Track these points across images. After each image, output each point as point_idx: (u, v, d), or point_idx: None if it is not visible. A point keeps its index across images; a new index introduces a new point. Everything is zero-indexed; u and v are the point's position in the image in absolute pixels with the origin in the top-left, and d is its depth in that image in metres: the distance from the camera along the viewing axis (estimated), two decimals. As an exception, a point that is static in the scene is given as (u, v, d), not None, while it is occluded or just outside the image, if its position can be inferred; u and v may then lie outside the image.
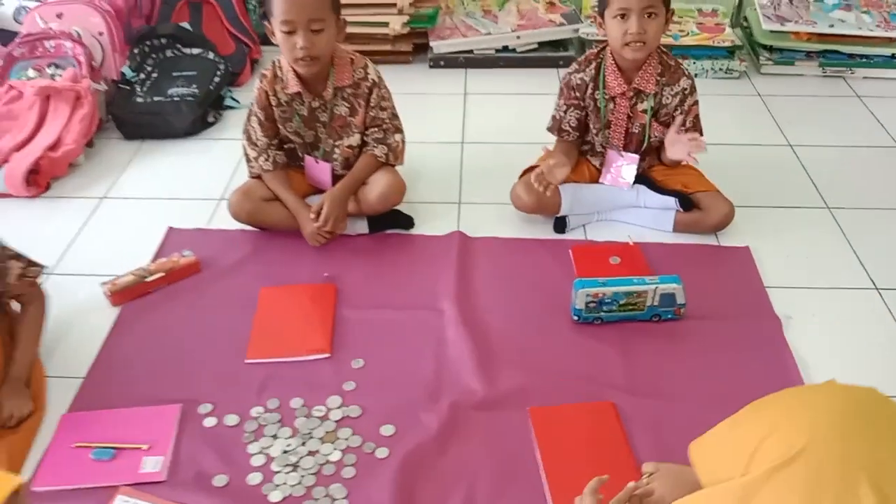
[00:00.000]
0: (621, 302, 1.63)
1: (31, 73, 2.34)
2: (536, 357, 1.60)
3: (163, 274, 1.78)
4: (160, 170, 2.25)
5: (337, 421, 1.47)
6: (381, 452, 1.41)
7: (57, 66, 2.35)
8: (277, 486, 1.35)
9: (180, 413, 1.48)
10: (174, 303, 1.75)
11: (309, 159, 1.94)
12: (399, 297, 1.76)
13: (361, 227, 1.95)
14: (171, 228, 1.98)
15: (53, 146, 2.16)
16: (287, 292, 1.76)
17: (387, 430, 1.45)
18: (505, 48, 2.81)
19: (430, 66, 2.81)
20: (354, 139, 1.91)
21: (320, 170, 1.94)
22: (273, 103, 1.85)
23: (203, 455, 1.41)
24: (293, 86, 1.82)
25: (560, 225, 1.96)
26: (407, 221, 1.98)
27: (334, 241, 1.90)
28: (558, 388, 1.52)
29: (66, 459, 1.39)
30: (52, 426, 1.47)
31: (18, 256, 1.53)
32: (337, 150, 1.92)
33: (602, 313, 1.65)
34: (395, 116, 1.94)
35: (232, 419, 1.48)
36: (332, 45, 1.78)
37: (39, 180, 2.12)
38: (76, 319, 1.71)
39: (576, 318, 1.66)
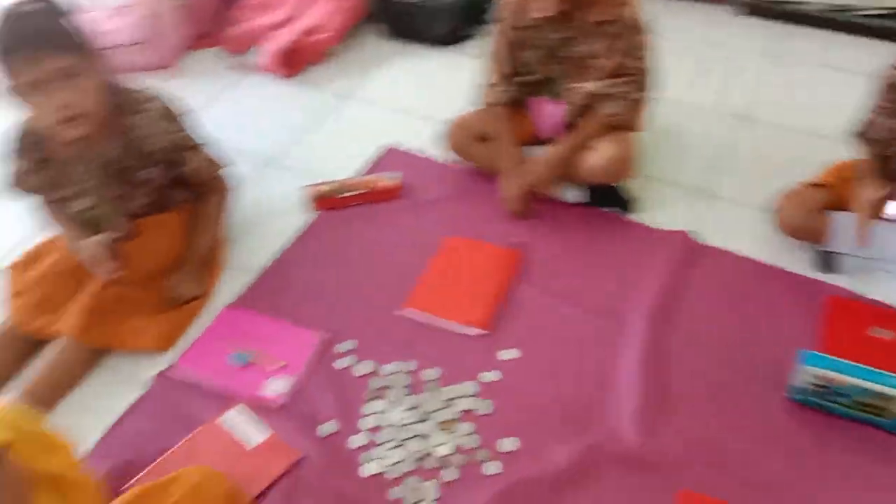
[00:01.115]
0: (860, 400, 1.23)
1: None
2: (720, 427, 1.28)
3: (363, 191, 1.73)
4: (406, 78, 2.18)
5: (463, 411, 1.33)
6: (491, 468, 1.24)
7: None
8: (374, 459, 1.26)
9: (320, 343, 1.44)
10: (362, 225, 1.69)
11: (538, 101, 1.71)
12: (586, 292, 1.52)
13: (577, 195, 1.71)
14: (390, 149, 1.91)
15: (311, 31, 2.17)
16: (468, 247, 1.61)
17: (509, 443, 1.27)
18: (842, 8, 2.23)
19: (735, 14, 2.33)
20: (597, 85, 1.62)
21: (551, 113, 1.70)
22: (517, 24, 1.63)
23: (321, 397, 1.36)
24: (545, 9, 1.57)
25: (826, 262, 1.53)
26: (626, 202, 1.69)
27: (540, 203, 1.68)
28: (728, 479, 1.21)
29: (208, 352, 1.44)
30: (212, 314, 1.52)
31: (198, 148, 1.55)
32: (571, 95, 1.65)
33: (830, 403, 1.27)
34: (645, 71, 1.62)
35: (363, 368, 1.40)
36: None
37: (294, 62, 2.16)
38: (272, 216, 1.74)
39: (792, 396, 1.30)
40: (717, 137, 1.89)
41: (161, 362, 1.43)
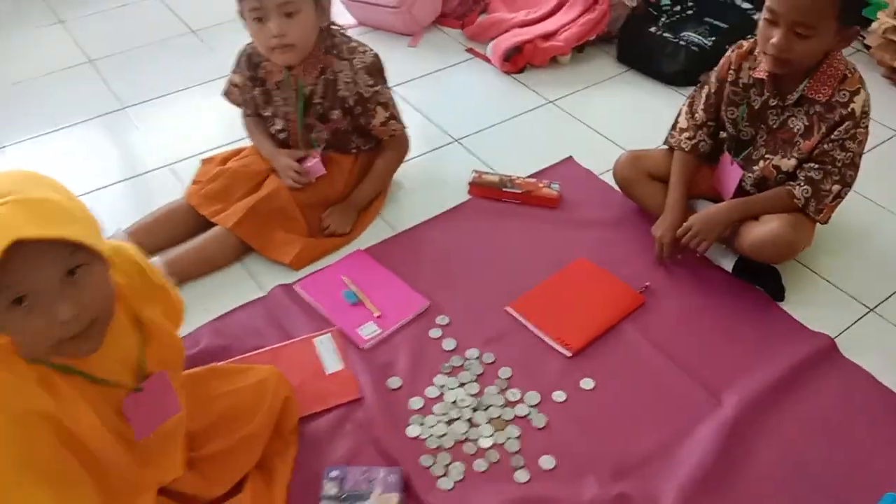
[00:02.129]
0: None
1: (580, -34, 2.41)
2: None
3: (521, 191, 1.79)
4: (615, 102, 2.17)
5: (517, 416, 1.35)
6: (520, 476, 1.25)
7: (603, -32, 2.38)
8: (422, 424, 1.33)
9: (421, 309, 1.53)
10: (507, 221, 1.75)
11: (725, 157, 1.64)
12: (692, 356, 1.44)
13: (728, 261, 1.62)
14: (569, 159, 1.94)
15: (546, 36, 2.25)
16: (596, 274, 1.60)
17: (546, 461, 1.27)
18: None
19: None
20: (788, 163, 1.53)
21: (731, 173, 1.63)
22: (729, 79, 1.58)
23: (402, 354, 1.45)
24: (762, 71, 1.51)
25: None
26: (775, 286, 1.57)
27: (687, 257, 1.62)
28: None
29: (328, 282, 1.59)
30: (346, 251, 1.68)
31: (387, 106, 1.69)
32: (760, 164, 1.57)
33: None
34: (851, 165, 1.49)
35: (448, 344, 1.47)
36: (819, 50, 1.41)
37: (518, 60, 2.25)
38: (434, 187, 1.85)
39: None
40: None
41: (286, 276, 1.61)
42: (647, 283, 1.58)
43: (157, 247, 1.61)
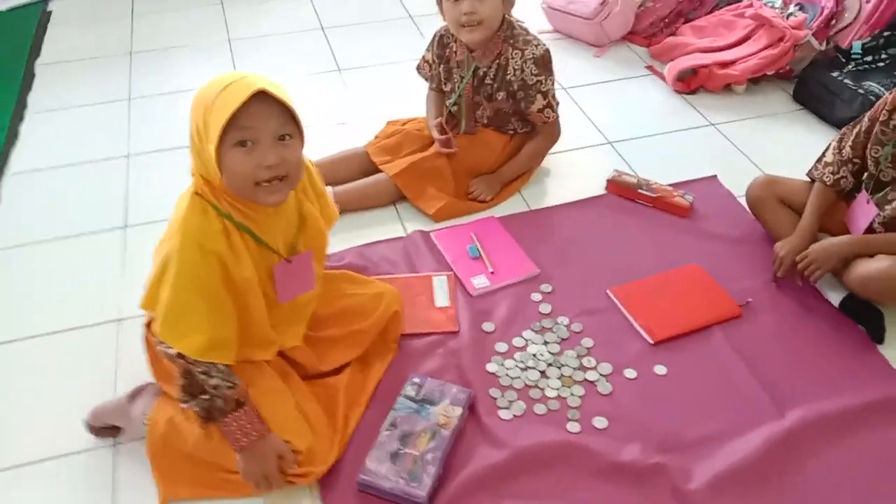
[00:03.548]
0: None
1: (777, 2, 2.45)
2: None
3: (655, 195, 1.91)
4: (779, 137, 2.20)
5: (586, 380, 1.50)
6: (573, 426, 1.41)
7: (801, 8, 2.39)
8: (502, 364, 1.52)
9: (531, 275, 1.72)
10: (635, 219, 1.89)
11: (863, 195, 1.66)
12: (770, 375, 1.50)
13: (837, 296, 1.64)
14: (713, 177, 2.02)
15: (725, 64, 2.32)
16: (703, 281, 1.69)
17: (600, 421, 1.42)
18: None
19: None
20: (919, 210, 1.54)
21: (865, 210, 1.64)
22: (881, 118, 1.61)
23: (503, 307, 1.65)
24: None
25: None
26: (877, 327, 1.56)
27: (803, 283, 1.66)
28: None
29: (458, 236, 1.83)
30: (482, 216, 1.90)
31: (546, 95, 1.88)
32: (893, 204, 1.58)
33: None
34: None
35: (545, 308, 1.65)
36: None
37: (691, 82, 2.35)
38: (576, 177, 2.03)
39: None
40: None
41: (426, 225, 1.87)
42: (750, 300, 1.65)
43: (335, 180, 1.93)
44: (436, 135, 1.92)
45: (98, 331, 1.61)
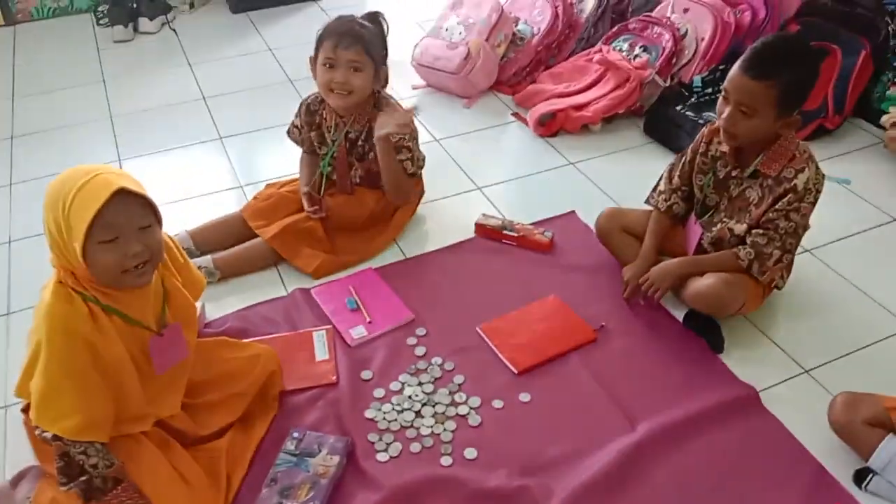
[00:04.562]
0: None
1: (624, 45, 2.68)
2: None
3: (518, 235, 2.06)
4: (631, 170, 2.40)
5: (457, 415, 1.61)
6: (445, 460, 1.52)
7: (644, 50, 2.64)
8: (379, 409, 1.62)
9: (407, 320, 1.84)
10: (499, 258, 2.03)
11: (691, 218, 1.86)
12: (623, 391, 1.65)
13: (681, 312, 1.81)
14: (572, 213, 2.19)
15: (580, 107, 2.53)
16: (560, 310, 1.84)
17: (470, 452, 1.53)
18: None
19: None
20: (740, 228, 1.73)
21: (693, 231, 1.84)
22: (700, 150, 1.81)
23: (380, 354, 1.75)
24: (724, 146, 1.74)
25: (859, 476, 1.45)
26: (715, 339, 1.74)
27: (646, 303, 1.84)
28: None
29: (337, 290, 1.93)
30: (359, 269, 2.01)
31: (408, 151, 2.00)
32: (718, 226, 1.78)
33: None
34: (794, 234, 1.67)
35: (419, 350, 1.77)
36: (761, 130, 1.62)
37: (551, 125, 2.54)
38: (447, 226, 2.16)
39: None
40: (860, 322, 1.82)
41: (305, 283, 1.97)
42: (603, 324, 1.81)
43: (214, 246, 2.02)
44: (306, 205, 2.04)
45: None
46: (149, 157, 2.54)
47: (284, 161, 2.31)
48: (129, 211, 1.24)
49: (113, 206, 1.20)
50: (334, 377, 1.69)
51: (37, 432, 1.33)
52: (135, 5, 3.42)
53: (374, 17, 1.98)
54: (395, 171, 2.02)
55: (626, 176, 2.37)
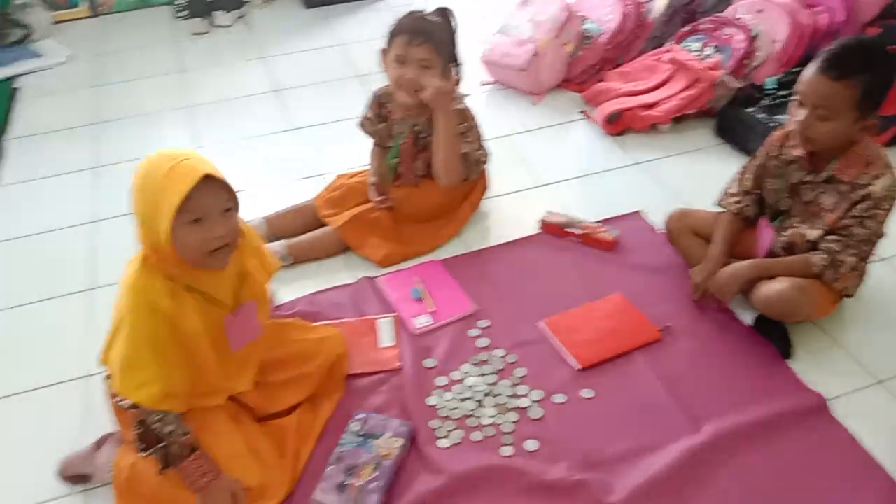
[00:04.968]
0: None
1: (695, 45, 2.65)
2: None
3: (582, 233, 2.06)
4: (700, 171, 2.37)
5: (519, 407, 1.63)
6: (505, 451, 1.54)
7: (716, 50, 2.60)
8: (441, 397, 1.65)
9: (470, 312, 1.86)
10: (563, 254, 2.04)
11: (762, 220, 1.83)
12: (687, 393, 1.64)
13: (750, 316, 1.79)
14: (636, 213, 2.18)
15: (649, 106, 2.51)
16: (625, 308, 1.84)
17: (531, 444, 1.55)
18: None
19: None
20: (814, 233, 1.70)
21: (764, 234, 1.81)
22: (773, 154, 1.78)
23: (443, 343, 1.79)
24: (798, 150, 1.71)
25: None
26: (785, 348, 1.72)
27: (718, 305, 1.82)
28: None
29: (402, 280, 1.97)
30: (424, 259, 2.05)
31: (470, 141, 2.03)
32: (790, 231, 1.74)
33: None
34: (868, 242, 1.63)
35: (482, 342, 1.79)
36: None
37: (618, 124, 2.53)
38: (516, 219, 2.18)
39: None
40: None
41: (372, 271, 2.01)
42: (669, 324, 1.80)
43: (286, 233, 2.09)
44: (373, 195, 2.09)
45: (68, 387, 1.73)
46: (224, 145, 2.63)
47: (354, 153, 2.36)
48: (213, 195, 1.29)
49: (199, 190, 1.25)
50: (399, 364, 1.73)
51: (115, 400, 1.40)
52: (211, 0, 3.55)
53: (444, 14, 2.01)
54: (449, 138, 1.99)
55: (695, 177, 2.34)
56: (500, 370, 1.72)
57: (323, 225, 2.10)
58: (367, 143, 2.22)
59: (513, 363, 1.73)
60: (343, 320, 1.84)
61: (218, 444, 1.41)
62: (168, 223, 1.26)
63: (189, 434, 1.35)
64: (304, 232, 2.10)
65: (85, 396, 1.69)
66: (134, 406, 1.31)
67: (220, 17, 3.55)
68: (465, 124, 2.04)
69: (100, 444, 1.50)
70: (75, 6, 3.63)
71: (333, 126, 2.70)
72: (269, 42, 3.37)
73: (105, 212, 2.31)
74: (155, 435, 1.32)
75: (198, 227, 1.29)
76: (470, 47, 2.79)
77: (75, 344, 1.83)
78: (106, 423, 1.54)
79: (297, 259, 2.03)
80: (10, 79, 3.11)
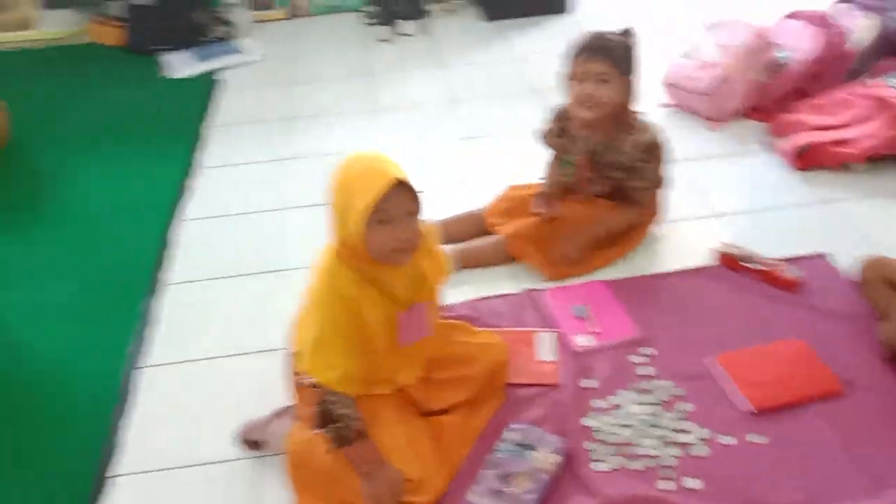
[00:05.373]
0: None
1: (893, 81, 2.45)
2: None
3: (764, 269, 1.96)
4: (885, 218, 2.20)
5: (682, 443, 1.57)
6: (662, 485, 1.49)
7: (922, 88, 2.40)
8: (599, 420, 1.62)
9: (634, 337, 1.83)
10: (741, 292, 1.94)
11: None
12: (869, 447, 1.53)
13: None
14: (822, 257, 2.05)
15: (842, 142, 2.35)
16: (807, 356, 1.72)
17: (693, 483, 1.49)
18: None
19: None
20: None
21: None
22: None
23: (604, 365, 1.76)
24: None
25: None
26: None
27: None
28: None
29: (567, 296, 1.96)
30: (590, 278, 2.04)
31: (645, 177, 2.01)
32: None
33: None
34: None
35: (645, 370, 1.74)
36: None
37: (807, 158, 2.39)
38: (689, 248, 2.12)
39: None
40: None
41: (537, 283, 2.03)
42: (852, 378, 1.67)
43: (453, 237, 2.14)
44: (538, 205, 2.10)
45: (250, 358, 1.87)
46: (401, 148, 2.73)
47: (526, 165, 2.38)
48: (402, 199, 1.36)
49: (389, 194, 1.32)
50: (557, 380, 1.73)
51: (296, 378, 1.49)
52: (396, 8, 3.71)
53: (625, 32, 1.99)
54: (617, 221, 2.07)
55: (891, 224, 2.17)
56: (664, 402, 1.67)
57: (490, 233, 2.14)
58: (540, 156, 2.23)
59: (678, 396, 1.68)
60: (502, 329, 1.86)
61: (382, 434, 1.46)
62: (360, 222, 1.33)
63: (360, 420, 1.42)
64: (470, 238, 2.14)
65: (265, 369, 1.80)
66: (316, 385, 1.39)
67: (404, 26, 3.70)
68: (641, 159, 2.01)
69: (278, 415, 1.61)
70: (275, 8, 3.92)
71: (508, 138, 2.74)
72: (448, 52, 3.48)
73: (291, 201, 2.47)
74: (331, 415, 1.40)
75: (385, 227, 1.35)
76: (652, 68, 2.76)
77: (259, 320, 1.98)
78: (281, 395, 1.65)
79: (463, 265, 2.07)
80: (212, 72, 3.41)
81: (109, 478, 1.60)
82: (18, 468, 1.65)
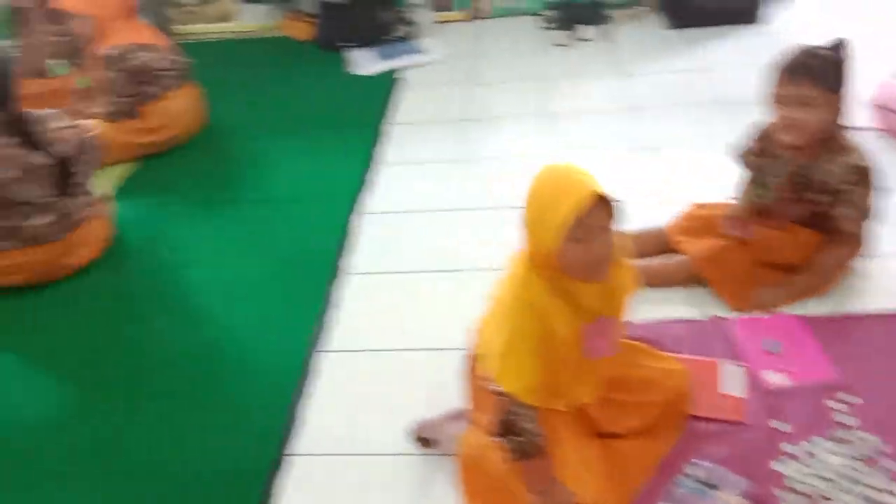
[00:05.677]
0: None
1: None
2: None
3: None
4: None
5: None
6: (864, 547, 1.35)
7: None
8: (789, 466, 1.50)
9: (834, 381, 1.68)
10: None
11: None
12: None
13: None
14: None
15: None
16: None
17: (897, 551, 1.34)
18: None
19: None
20: None
21: None
22: None
23: (797, 408, 1.63)
24: None
25: None
26: None
27: None
28: None
29: (759, 328, 1.84)
30: (783, 311, 1.89)
31: (853, 204, 1.84)
32: None
33: None
34: None
35: (847, 419, 1.59)
36: None
37: None
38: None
39: None
40: None
41: (719, 310, 1.91)
42: None
43: (636, 254, 2.05)
44: (729, 227, 1.98)
45: (425, 354, 1.89)
46: (578, 156, 2.67)
47: (711, 180, 2.25)
48: (600, 214, 1.30)
49: (588, 209, 1.27)
50: (743, 417, 1.61)
51: (484, 383, 1.48)
52: (577, 13, 3.65)
53: (836, 45, 1.82)
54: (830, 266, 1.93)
55: None
56: (868, 458, 1.51)
57: (667, 252, 2.04)
58: (726, 173, 2.10)
59: (884, 453, 1.51)
60: (682, 356, 1.76)
61: (558, 452, 1.42)
62: (556, 238, 1.29)
63: (542, 436, 1.38)
64: (648, 256, 2.06)
65: (438, 367, 1.80)
66: (503, 395, 1.37)
67: (584, 30, 3.64)
68: (849, 182, 1.83)
69: (453, 416, 1.61)
70: (455, 9, 3.97)
71: (691, 151, 2.61)
72: (628, 59, 3.38)
73: (464, 203, 2.48)
74: (514, 426, 1.37)
75: (580, 244, 1.30)
76: (859, 88, 2.53)
77: (432, 318, 2.00)
78: (453, 395, 1.65)
79: (647, 282, 1.98)
80: (394, 71, 3.50)
81: (286, 455, 1.68)
82: (204, 433, 1.76)
